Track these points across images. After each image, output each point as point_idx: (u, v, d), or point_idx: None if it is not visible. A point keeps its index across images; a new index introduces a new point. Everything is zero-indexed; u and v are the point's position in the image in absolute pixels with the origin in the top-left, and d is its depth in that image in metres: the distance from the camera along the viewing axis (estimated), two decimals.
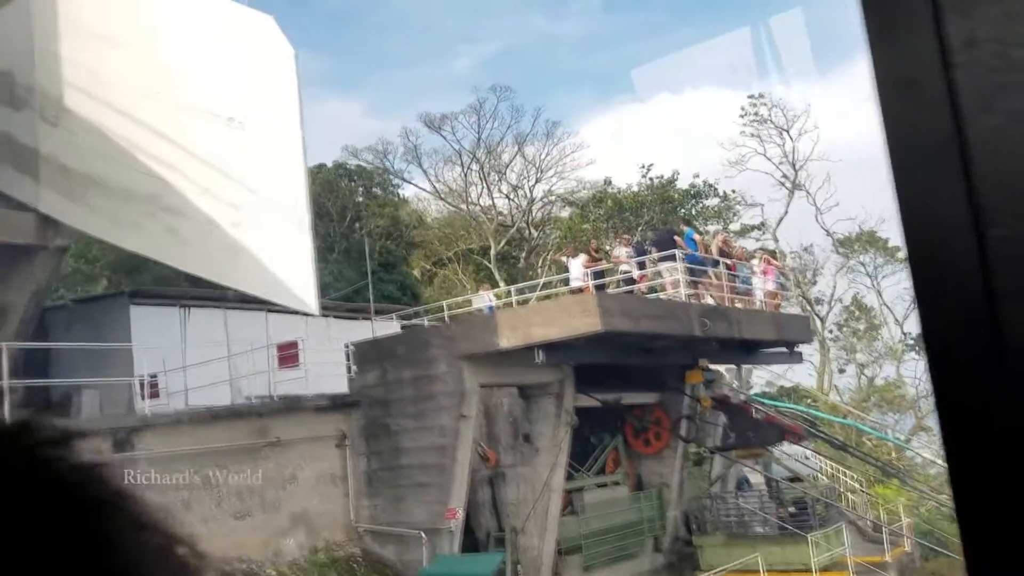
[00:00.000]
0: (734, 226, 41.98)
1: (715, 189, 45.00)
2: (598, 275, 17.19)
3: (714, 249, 18.12)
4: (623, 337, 14.86)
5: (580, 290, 17.16)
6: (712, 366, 19.08)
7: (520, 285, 20.96)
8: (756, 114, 38.45)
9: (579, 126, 67.62)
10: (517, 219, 46.16)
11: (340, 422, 16.36)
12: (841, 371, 39.56)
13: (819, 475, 23.72)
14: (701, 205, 44.95)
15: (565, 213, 47.36)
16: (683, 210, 44.41)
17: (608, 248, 22.70)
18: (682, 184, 44.48)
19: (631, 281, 16.87)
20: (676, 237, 16.93)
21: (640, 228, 41.06)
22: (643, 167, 42.77)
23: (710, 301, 17.22)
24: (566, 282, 17.71)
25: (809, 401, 40.73)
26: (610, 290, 16.99)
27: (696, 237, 17.84)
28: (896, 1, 0.53)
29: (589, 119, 57.72)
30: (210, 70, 13.03)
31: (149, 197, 13.23)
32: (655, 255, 16.97)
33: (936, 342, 0.52)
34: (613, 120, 54.50)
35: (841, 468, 24.98)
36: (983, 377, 0.50)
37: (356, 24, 60.83)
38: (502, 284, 43.78)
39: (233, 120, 12.81)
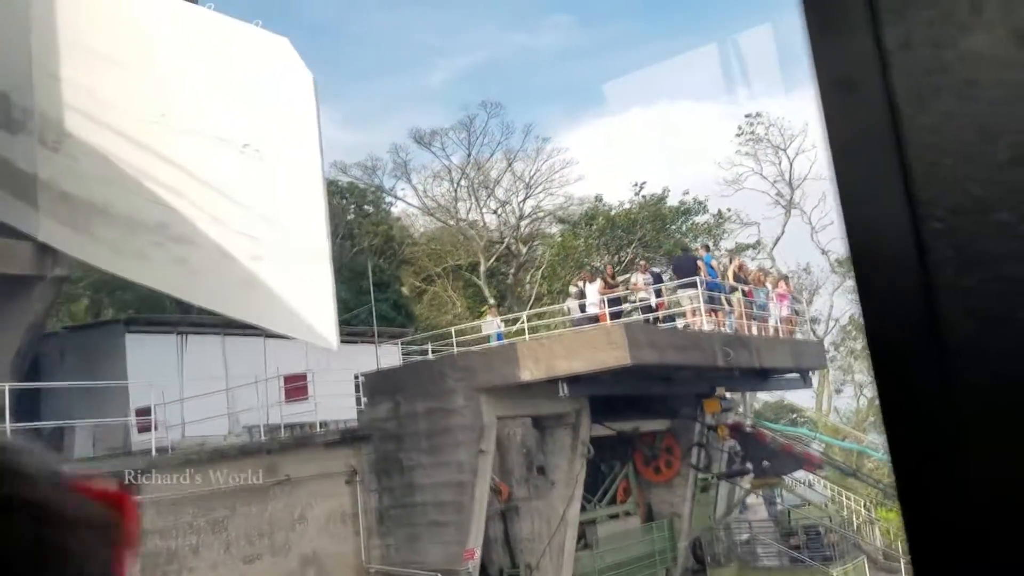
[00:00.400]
0: (727, 243, 41.81)
1: (704, 206, 44.87)
2: (614, 301, 16.68)
3: (730, 274, 17.71)
4: (648, 369, 14.38)
5: (596, 317, 16.66)
6: (728, 394, 18.64)
7: (531, 311, 20.33)
8: (753, 133, 38.24)
9: (559, 139, 67.45)
10: (506, 235, 45.72)
11: (350, 457, 15.71)
12: (838, 391, 39.40)
13: (829, 502, 23.33)
14: (691, 222, 44.76)
15: (554, 229, 47.04)
16: (673, 227, 44.26)
17: (621, 272, 22.00)
18: (672, 201, 44.28)
19: (649, 308, 16.40)
20: (698, 262, 16.48)
21: (632, 245, 40.78)
22: (636, 185, 42.52)
23: (728, 328, 16.79)
24: (582, 308, 17.16)
25: (797, 419, 40.56)
26: (627, 317, 16.50)
27: (714, 263, 17.42)
28: (835, 3, 0.55)
29: (565, 131, 57.68)
30: (222, 94, 12.44)
31: (156, 226, 12.59)
32: (676, 282, 16.52)
33: (877, 337, 0.54)
34: (587, 133, 54.42)
35: (845, 492, 24.66)
36: (921, 370, 0.51)
37: (333, 36, 60.41)
38: (491, 300, 43.32)
39: (248, 147, 12.21)
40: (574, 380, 14.04)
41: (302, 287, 11.91)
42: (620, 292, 16.79)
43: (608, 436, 18.32)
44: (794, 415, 41.09)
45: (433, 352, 20.23)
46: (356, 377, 16.17)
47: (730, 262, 18.44)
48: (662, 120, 51.10)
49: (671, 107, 53.37)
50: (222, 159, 12.31)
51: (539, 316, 20.06)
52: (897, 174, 0.52)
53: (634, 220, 40.75)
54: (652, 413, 19.03)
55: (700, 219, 44.49)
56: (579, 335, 14.40)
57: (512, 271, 45.55)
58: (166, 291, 13.10)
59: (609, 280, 16.98)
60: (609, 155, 55.63)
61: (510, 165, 43.86)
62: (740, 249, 40.98)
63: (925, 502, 0.52)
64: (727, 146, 47.96)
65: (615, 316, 16.51)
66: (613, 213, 41.55)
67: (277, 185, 12.19)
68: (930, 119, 0.51)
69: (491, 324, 18.89)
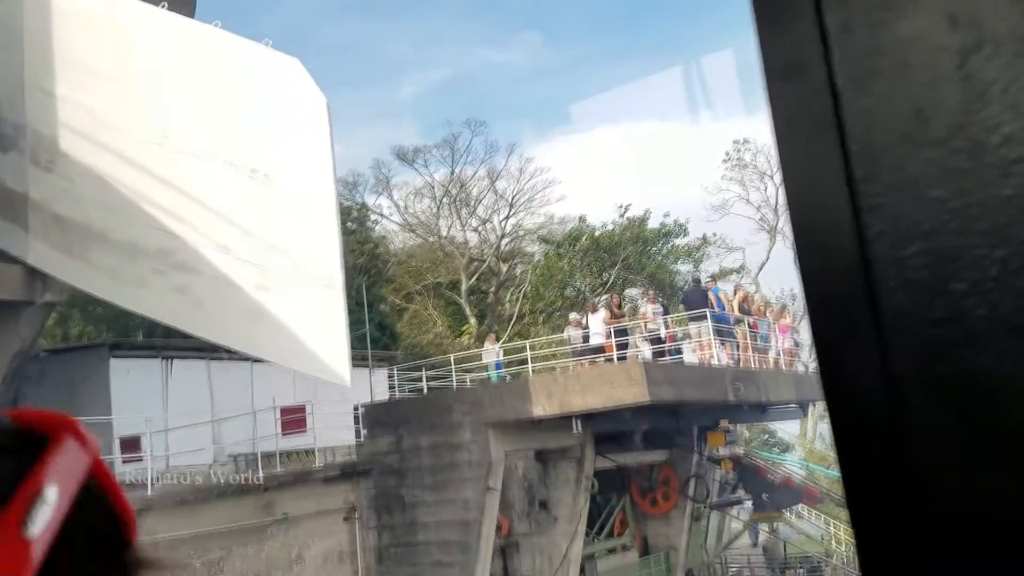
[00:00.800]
0: (708, 266, 41.76)
1: (685, 228, 44.86)
2: (620, 332, 16.31)
3: (735, 305, 17.42)
4: (662, 405, 14.01)
5: (601, 348, 16.27)
6: (731, 426, 18.34)
7: (536, 340, 19.77)
8: (739, 159, 38.20)
9: (527, 155, 67.38)
10: (487, 253, 45.36)
11: (348, 492, 15.13)
12: (823, 417, 39.36)
13: (825, 535, 23.10)
14: (672, 244, 44.69)
15: (534, 248, 46.76)
16: (654, 249, 44.13)
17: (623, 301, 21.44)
18: (652, 223, 44.22)
19: (658, 340, 16.03)
20: (709, 295, 16.16)
21: (616, 267, 40.56)
22: (620, 207, 42.36)
23: (734, 361, 16.50)
24: (585, 338, 16.72)
25: (781, 445, 40.49)
26: (633, 348, 16.14)
27: (721, 295, 17.11)
28: None
29: (534, 148, 57.75)
30: (228, 115, 11.87)
31: (157, 253, 11.95)
32: (686, 314, 16.18)
33: (817, 310, 0.56)
34: (556, 149, 54.35)
35: (834, 523, 24.46)
36: (858, 338, 0.53)
37: (301, 45, 59.79)
38: (472, 320, 42.81)
39: (256, 171, 11.65)
40: (587, 416, 13.62)
41: (312, 320, 11.36)
42: (627, 323, 16.40)
43: (605, 467, 17.92)
44: (773, 442, 41.00)
45: (428, 380, 19.61)
46: (356, 408, 15.58)
47: (734, 293, 18.17)
48: (630, 139, 51.15)
49: (637, 126, 53.51)
50: (228, 184, 11.73)
51: (541, 345, 19.56)
52: (838, 154, 0.54)
53: (617, 242, 40.56)
54: (651, 445, 18.66)
55: (680, 241, 44.52)
56: (595, 371, 13.99)
57: (492, 289, 45.12)
58: (166, 321, 12.42)
59: (615, 310, 16.59)
60: (579, 172, 55.56)
61: (493, 183, 43.53)
62: (724, 273, 40.94)
63: (864, 466, 0.54)
64: (696, 166, 48.12)
65: (621, 347, 16.15)
66: (597, 234, 41.31)
67: (287, 212, 11.64)
68: (868, 101, 0.53)
69: (490, 352, 18.41)
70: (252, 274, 11.46)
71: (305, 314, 11.40)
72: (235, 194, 11.69)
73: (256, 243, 11.58)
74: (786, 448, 40.08)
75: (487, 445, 13.92)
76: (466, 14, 61.26)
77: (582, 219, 43.13)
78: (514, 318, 42.24)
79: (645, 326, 15.93)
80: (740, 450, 22.85)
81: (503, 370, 18.63)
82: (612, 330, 16.13)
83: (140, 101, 11.92)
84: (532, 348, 17.28)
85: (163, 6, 12.18)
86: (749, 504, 21.72)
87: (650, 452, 19.03)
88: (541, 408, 13.50)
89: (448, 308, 44.70)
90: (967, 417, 0.50)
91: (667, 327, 16.27)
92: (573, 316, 18.45)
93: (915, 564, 0.52)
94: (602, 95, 56.38)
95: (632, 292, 43.21)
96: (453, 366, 18.35)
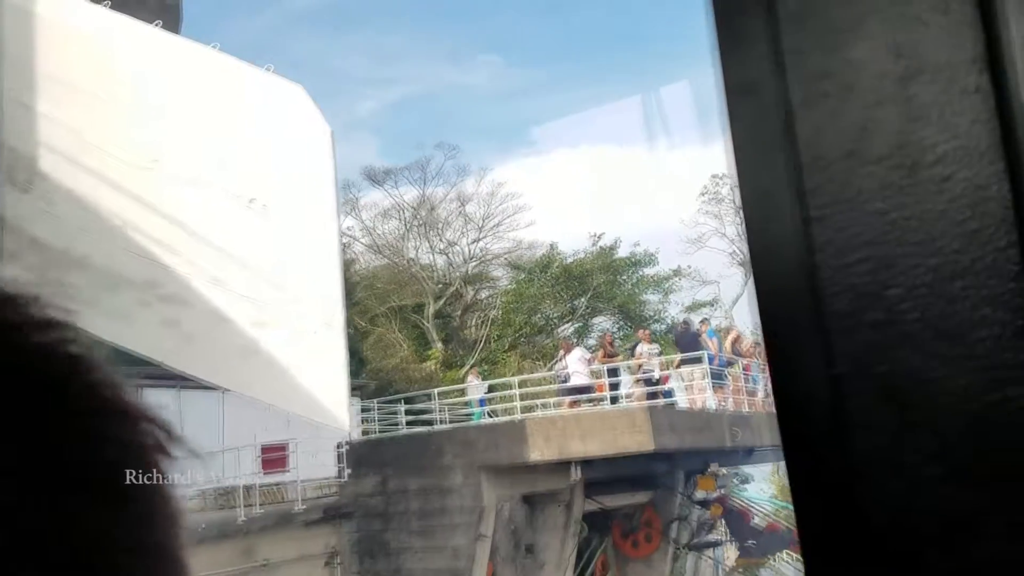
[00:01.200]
0: (679, 297, 41.70)
1: (655, 258, 44.83)
2: (612, 372, 15.93)
3: (728, 346, 17.16)
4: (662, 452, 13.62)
5: (581, 389, 15.88)
6: (721, 470, 18.03)
7: (523, 377, 19.14)
8: (716, 192, 38.31)
9: (492, 172, 67.03)
10: (454, 277, 44.89)
11: (329, 536, 14.44)
12: None
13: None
14: (641, 274, 44.58)
15: (500, 272, 46.42)
16: (623, 278, 44.01)
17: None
18: (622, 252, 44.15)
19: (651, 382, 15.67)
20: (703, 337, 15.87)
21: (587, 295, 40.33)
22: (593, 235, 42.17)
23: (727, 404, 16.23)
24: (566, 378, 16.28)
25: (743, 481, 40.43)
26: (626, 389, 15.78)
27: (712, 341, 16.81)
28: (739, 13, 0.60)
29: (496, 166, 57.48)
30: (226, 142, 11.28)
31: (144, 283, 11.24)
32: (679, 356, 15.86)
33: (768, 315, 0.58)
34: (516, 173, 54.14)
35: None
36: (805, 340, 0.56)
37: (256, 58, 58.95)
38: (439, 344, 42.19)
39: (255, 201, 11.05)
40: (585, 462, 13.17)
41: (310, 360, 10.75)
42: (621, 362, 16.04)
43: (589, 509, 17.47)
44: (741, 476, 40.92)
45: (407, 413, 18.92)
46: (339, 446, 14.90)
47: (727, 334, 17.92)
48: (589, 162, 51.08)
49: (595, 149, 53.50)
50: (224, 213, 11.11)
51: (532, 382, 19.01)
52: (790, 167, 0.57)
53: (588, 270, 40.36)
54: (636, 487, 18.27)
55: (650, 271, 44.40)
56: (597, 416, 13.56)
57: (458, 313, 44.55)
58: (152, 357, 11.67)
59: (608, 349, 16.20)
60: (544, 196, 55.34)
61: (463, 206, 43.09)
62: (696, 306, 40.96)
63: (808, 456, 0.56)
64: (657, 193, 48.18)
65: (613, 387, 15.79)
66: (568, 262, 41.07)
67: (286, 246, 11.06)
68: (818, 119, 0.56)
69: (475, 388, 17.87)
70: (247, 309, 10.82)
71: (303, 354, 10.79)
72: (231, 224, 11.07)
73: (252, 277, 10.96)
74: (745, 479, 39.98)
75: (479, 490, 13.38)
76: (427, 33, 61.02)
77: (553, 246, 42.87)
78: (480, 343, 41.70)
79: (640, 367, 15.56)
80: (723, 491, 22.61)
81: (487, 407, 18.09)
82: (606, 369, 15.75)
83: (129, 123, 11.27)
84: (522, 386, 16.78)
85: (158, 24, 11.57)
86: (727, 544, 21.45)
87: (634, 494, 18.63)
88: (539, 453, 13.02)
89: (413, 332, 44.07)
90: (902, 412, 0.53)
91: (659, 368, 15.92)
92: (561, 352, 18.01)
93: (855, 548, 0.54)
94: (562, 119, 56.57)
95: (599, 321, 43.07)
96: (437, 402, 17.71)
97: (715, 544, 21.65)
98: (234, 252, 10.95)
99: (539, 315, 41.47)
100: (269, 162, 11.14)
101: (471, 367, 22.30)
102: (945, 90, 0.54)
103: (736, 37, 0.60)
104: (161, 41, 11.34)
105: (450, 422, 17.93)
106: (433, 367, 39.00)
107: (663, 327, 37.56)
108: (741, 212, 0.59)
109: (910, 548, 0.53)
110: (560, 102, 56.65)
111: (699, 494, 17.96)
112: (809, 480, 0.57)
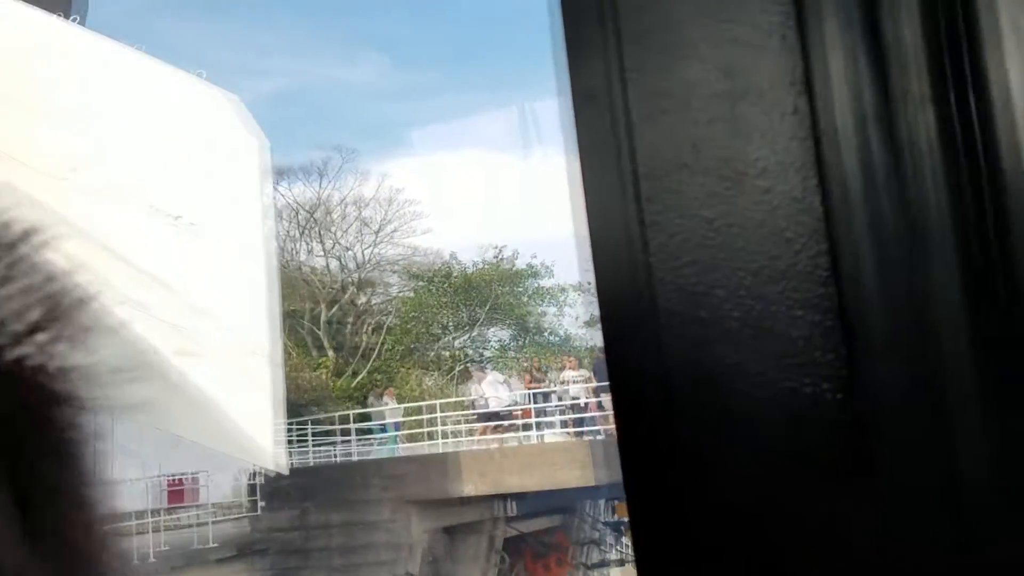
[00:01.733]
0: (580, 311, 41.96)
1: (551, 270, 44.96)
2: (538, 398, 15.66)
3: None
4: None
5: (510, 414, 15.57)
6: None
7: (448, 400, 18.39)
8: None
9: (379, 170, 66.09)
10: (348, 283, 43.71)
11: (240, 574, 13.55)
12: None
13: None
14: (537, 285, 44.66)
15: (394, 279, 45.53)
16: (520, 289, 43.97)
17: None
18: (520, 263, 44.08)
19: (578, 408, 15.46)
20: None
21: (487, 307, 40.01)
22: (496, 248, 41.86)
23: None
24: (486, 403, 15.89)
25: None
26: (552, 416, 15.55)
27: None
28: (587, 28, 0.63)
29: (379, 165, 56.56)
30: (151, 153, 10.33)
31: None
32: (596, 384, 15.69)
33: (607, 309, 0.62)
34: (396, 174, 53.51)
35: None
36: (640, 334, 0.59)
37: (127, 41, 56.17)
38: (331, 353, 40.93)
39: (181, 219, 10.16)
40: (520, 497, 12.83)
41: (243, 394, 9.96)
42: (547, 388, 15.79)
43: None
44: None
45: (313, 436, 17.99)
46: (252, 476, 14.01)
47: None
48: (472, 167, 50.86)
49: (472, 158, 53.50)
50: (146, 231, 10.14)
51: (450, 407, 18.41)
52: (629, 176, 0.60)
53: (489, 280, 40.06)
54: (548, 511, 18.07)
55: (545, 283, 44.49)
56: (535, 450, 13.23)
57: (351, 320, 43.44)
58: None
59: (535, 374, 15.91)
60: (435, 201, 54.69)
61: (360, 212, 42.05)
62: (595, 322, 40.88)
63: (642, 442, 0.59)
64: (540, 202, 48.39)
65: (539, 413, 15.53)
66: (470, 273, 40.67)
67: (215, 268, 10.22)
68: (655, 133, 0.60)
69: (391, 412, 17.21)
70: (172, 338, 9.95)
71: (232, 386, 10.00)
72: (153, 243, 10.16)
73: (176, 301, 10.09)
74: None
75: (409, 525, 12.83)
76: (307, 27, 59.51)
77: (453, 255, 42.38)
78: (375, 353, 40.74)
79: (569, 394, 15.33)
80: None
81: (401, 432, 17.47)
82: (530, 395, 15.47)
83: (46, 130, 10.19)
84: (443, 410, 16.26)
85: (75, 19, 10.53)
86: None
87: (548, 517, 18.45)
88: (472, 487, 12.60)
89: (302, 339, 42.65)
90: (724, 403, 0.57)
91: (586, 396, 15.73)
92: (478, 374, 17.61)
93: (682, 527, 0.57)
94: (442, 125, 56.17)
95: (494, 331, 42.86)
96: (353, 426, 16.91)
97: (620, 564, 21.75)
98: (156, 274, 10.07)
99: (435, 324, 40.86)
100: (197, 177, 10.30)
101: (376, 385, 21.41)
102: (768, 111, 0.57)
103: (584, 48, 0.63)
104: (86, 44, 10.29)
105: (358, 446, 17.17)
106: (324, 375, 37.83)
107: (557, 339, 37.73)
108: (585, 214, 0.62)
109: (731, 522, 0.56)
110: (442, 107, 56.24)
111: (615, 519, 17.93)
112: (642, 462, 0.59)
